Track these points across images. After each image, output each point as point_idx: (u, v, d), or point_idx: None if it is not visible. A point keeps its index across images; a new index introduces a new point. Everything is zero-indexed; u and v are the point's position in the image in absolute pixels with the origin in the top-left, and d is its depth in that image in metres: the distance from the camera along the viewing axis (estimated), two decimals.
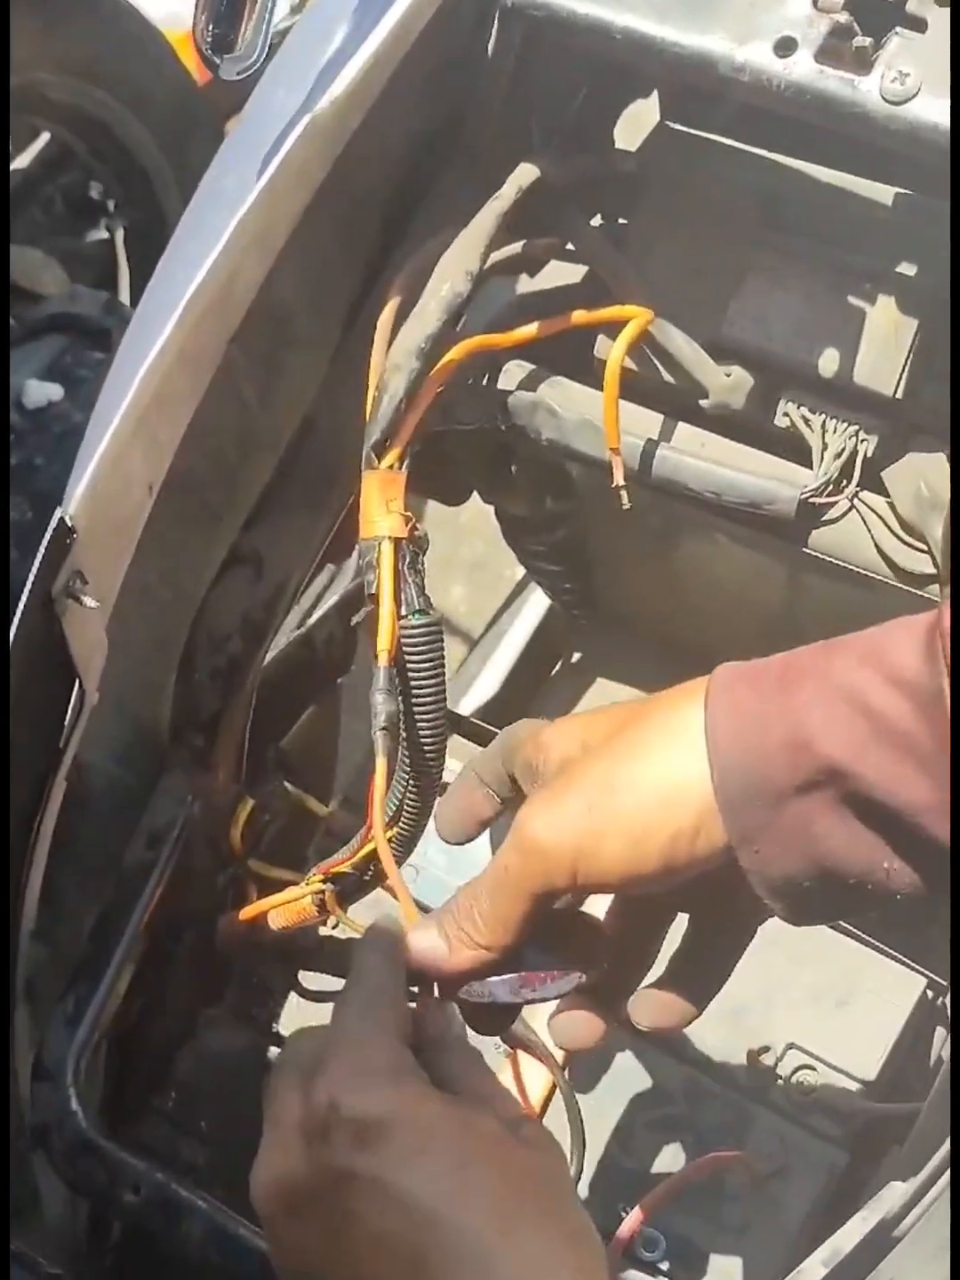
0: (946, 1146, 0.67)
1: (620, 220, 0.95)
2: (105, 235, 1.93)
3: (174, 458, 0.87)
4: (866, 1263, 0.68)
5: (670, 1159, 0.95)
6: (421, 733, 0.82)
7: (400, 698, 0.81)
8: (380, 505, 0.83)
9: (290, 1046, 0.66)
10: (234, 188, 0.83)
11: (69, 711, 0.84)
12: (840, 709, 0.58)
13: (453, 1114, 0.60)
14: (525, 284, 1.01)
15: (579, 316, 0.88)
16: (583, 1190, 0.96)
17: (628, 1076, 0.98)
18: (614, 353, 0.86)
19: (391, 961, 0.67)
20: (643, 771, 0.62)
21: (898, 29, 0.71)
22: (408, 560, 0.83)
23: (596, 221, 0.96)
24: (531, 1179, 0.59)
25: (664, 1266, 0.93)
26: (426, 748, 0.83)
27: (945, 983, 0.96)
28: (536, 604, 1.38)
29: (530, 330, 0.89)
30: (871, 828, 0.58)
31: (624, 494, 0.87)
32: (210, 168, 0.88)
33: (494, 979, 0.67)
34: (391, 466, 0.84)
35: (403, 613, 0.82)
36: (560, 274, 1.00)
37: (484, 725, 1.12)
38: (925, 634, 0.57)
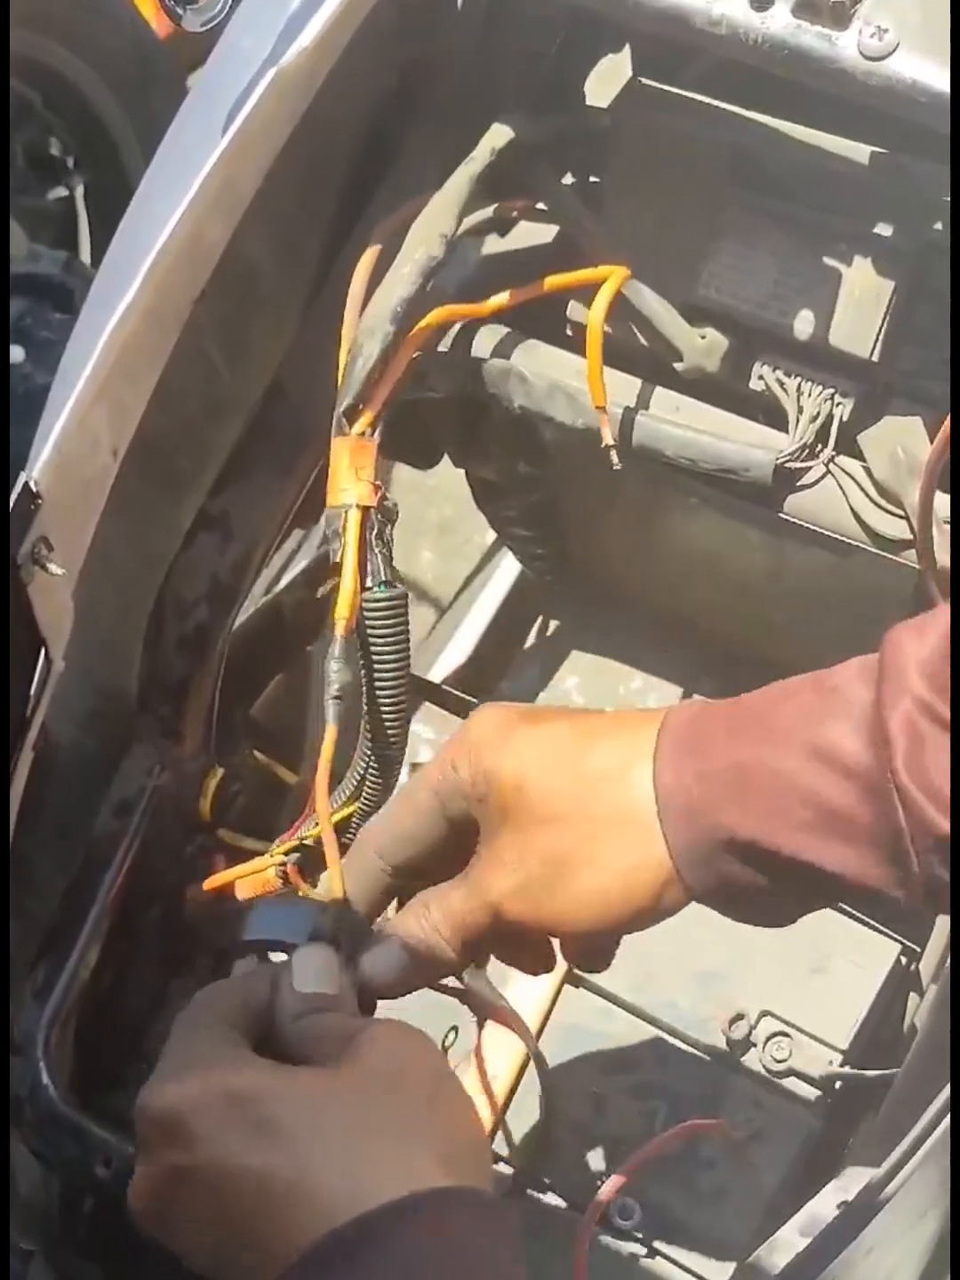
0: (927, 1115, 0.66)
1: (592, 178, 0.93)
2: (65, 193, 1.89)
3: (145, 421, 0.86)
4: (845, 1231, 0.68)
5: (644, 1126, 0.95)
6: (382, 706, 0.82)
7: (361, 670, 0.80)
8: (349, 473, 0.82)
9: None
10: (198, 142, 0.81)
11: (35, 679, 0.83)
12: (799, 813, 0.61)
13: (249, 1078, 0.59)
14: (497, 244, 0.99)
15: (555, 280, 0.87)
16: (555, 1157, 0.96)
17: (601, 1044, 0.97)
18: (594, 311, 0.84)
19: (238, 979, 0.70)
20: (602, 845, 0.64)
21: None
22: (375, 530, 0.82)
23: (568, 180, 0.95)
24: (342, 1106, 0.59)
25: (639, 1234, 0.93)
26: (387, 721, 0.82)
27: (919, 948, 0.96)
28: (508, 570, 1.37)
29: (506, 297, 0.88)
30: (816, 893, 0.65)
31: (614, 454, 0.86)
32: (174, 121, 0.86)
33: None
34: (363, 433, 0.83)
35: (367, 583, 0.81)
36: (532, 233, 0.99)
37: (454, 692, 1.11)
38: (869, 726, 0.59)
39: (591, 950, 0.72)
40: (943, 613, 0.60)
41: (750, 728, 0.63)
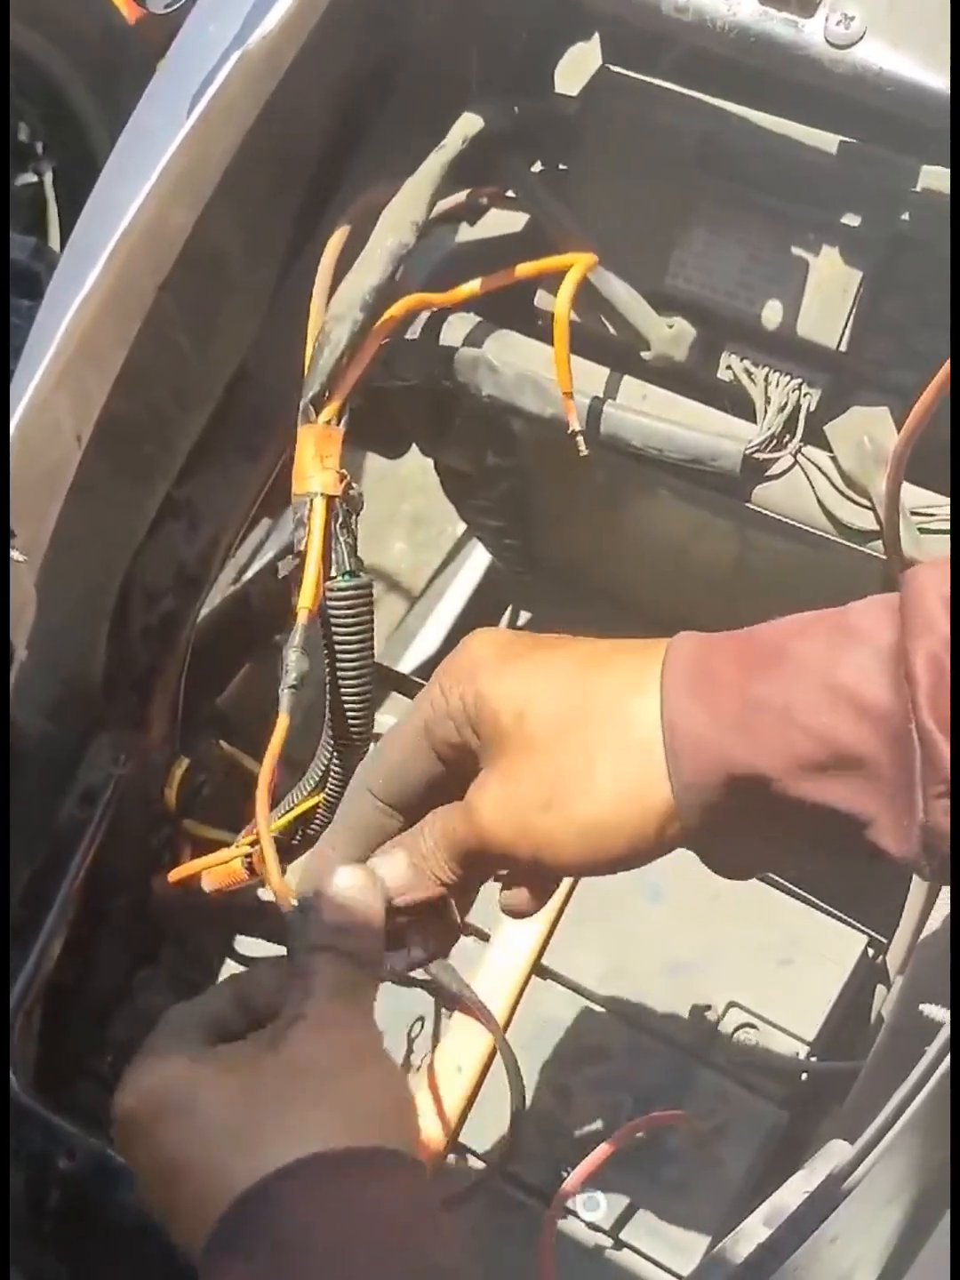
0: (891, 1105, 0.66)
1: (561, 166, 0.93)
2: (34, 178, 1.88)
3: (107, 407, 0.85)
4: (809, 1220, 0.67)
5: (611, 1118, 0.95)
6: (346, 697, 0.81)
7: (324, 660, 0.80)
8: (315, 461, 0.81)
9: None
10: (162, 126, 0.81)
11: None
12: (812, 754, 0.58)
13: (181, 1070, 0.63)
14: (466, 233, 0.99)
15: (523, 269, 0.86)
16: (521, 1149, 0.95)
17: (568, 1035, 0.97)
18: (560, 298, 0.84)
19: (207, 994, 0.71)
20: (601, 775, 0.62)
21: None
22: (340, 519, 0.81)
23: (537, 168, 0.94)
24: (257, 1089, 0.62)
25: (605, 1226, 0.93)
26: (351, 713, 0.81)
27: (885, 941, 0.96)
28: (478, 561, 1.37)
29: (475, 286, 0.87)
30: (813, 844, 0.61)
31: (581, 440, 0.86)
32: (138, 105, 0.85)
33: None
34: (329, 421, 0.83)
35: (331, 572, 0.80)
36: (502, 222, 0.98)
37: (421, 683, 1.10)
38: (891, 664, 0.57)
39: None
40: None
41: (763, 662, 0.60)
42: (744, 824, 0.61)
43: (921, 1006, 0.68)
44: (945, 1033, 0.63)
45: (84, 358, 0.82)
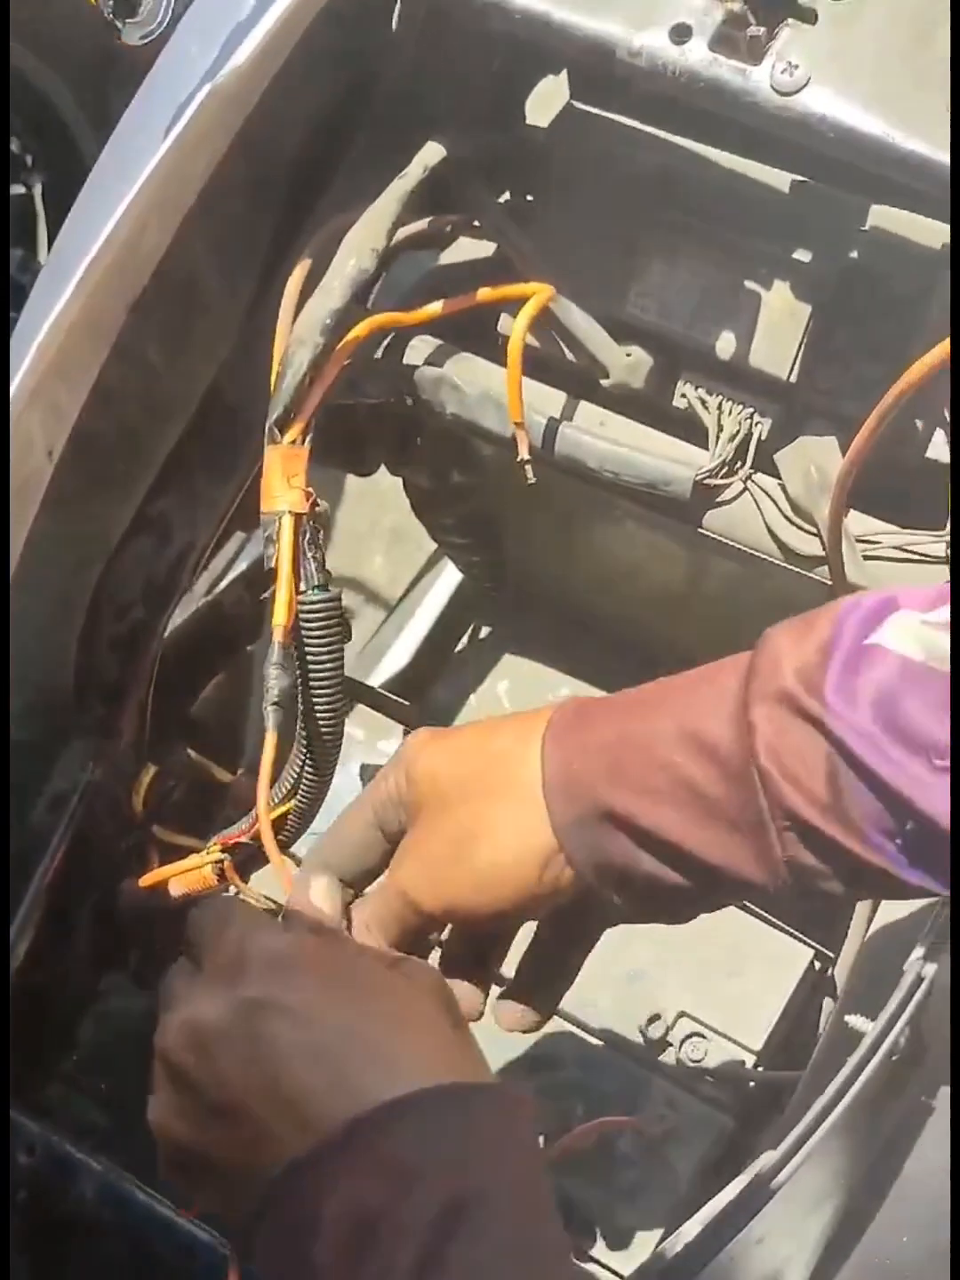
0: (816, 1107, 0.69)
1: (527, 197, 0.95)
2: (22, 190, 1.89)
3: (81, 423, 0.87)
4: (737, 1222, 0.70)
5: (562, 1124, 0.97)
6: (318, 707, 0.83)
7: (297, 672, 0.82)
8: (282, 480, 0.83)
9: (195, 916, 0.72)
10: (139, 149, 0.83)
11: None
12: (669, 792, 0.64)
13: (345, 953, 0.67)
14: (434, 260, 1.01)
15: (483, 294, 0.89)
16: None
17: (522, 1042, 0.99)
18: (515, 328, 0.87)
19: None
20: (497, 824, 0.68)
21: (789, 21, 0.72)
22: (308, 535, 0.83)
23: (505, 198, 0.97)
24: (417, 1002, 0.65)
25: None
26: (322, 722, 0.84)
27: (831, 954, 0.98)
28: (450, 577, 1.39)
29: (435, 308, 0.90)
30: (689, 878, 0.65)
31: (529, 468, 0.88)
32: (118, 125, 0.88)
33: None
34: (294, 441, 0.85)
35: (302, 588, 0.83)
36: (469, 250, 1.01)
37: (387, 695, 1.13)
38: (735, 713, 0.62)
39: (484, 938, 0.75)
40: (820, 623, 0.62)
41: (630, 710, 0.66)
42: (625, 861, 0.66)
43: (846, 1017, 0.70)
44: (867, 1042, 0.66)
45: (57, 375, 0.84)
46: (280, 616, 0.81)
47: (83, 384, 0.87)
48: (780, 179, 0.87)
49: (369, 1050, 0.61)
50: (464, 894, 0.69)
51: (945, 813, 0.57)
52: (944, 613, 0.60)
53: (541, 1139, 0.67)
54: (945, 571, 0.83)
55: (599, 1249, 0.95)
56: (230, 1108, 0.61)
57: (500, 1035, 1.00)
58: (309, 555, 0.83)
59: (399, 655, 1.38)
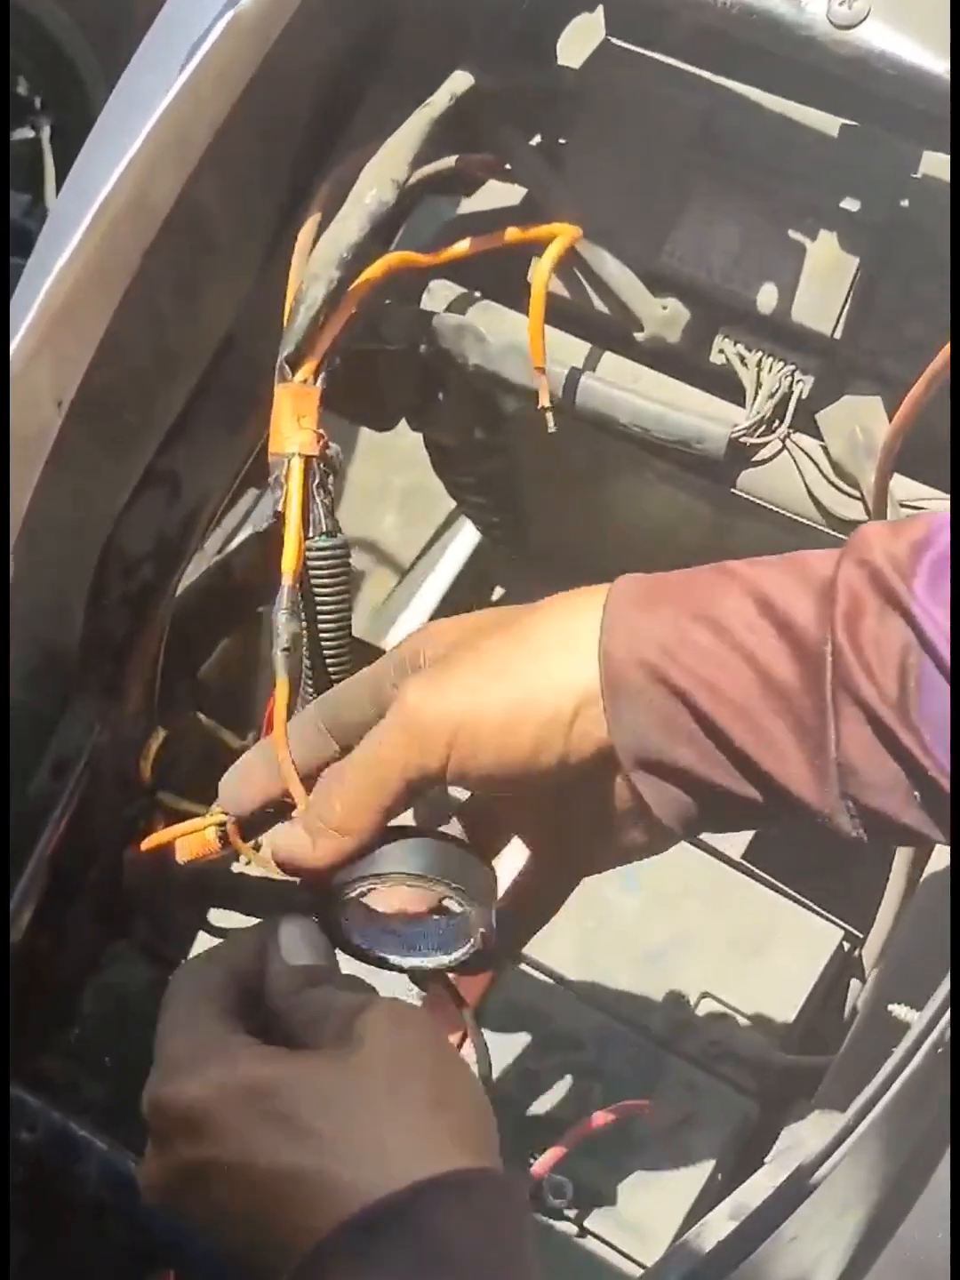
0: (856, 1105, 0.66)
1: (560, 140, 0.91)
2: (31, 134, 1.84)
3: (90, 374, 0.84)
4: (771, 1218, 0.67)
5: (579, 1104, 0.94)
6: (326, 657, 0.81)
7: (304, 621, 0.79)
8: (292, 420, 0.80)
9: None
10: (151, 88, 0.79)
11: None
12: (732, 669, 0.58)
13: (266, 1072, 0.60)
14: (463, 205, 0.97)
15: (505, 235, 0.85)
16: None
17: (539, 1022, 0.97)
18: (539, 270, 0.83)
19: (222, 952, 0.68)
20: (530, 659, 0.61)
21: None
22: (318, 479, 0.80)
23: (536, 142, 0.93)
24: (362, 1094, 0.59)
25: (571, 1213, 0.93)
26: (331, 673, 0.81)
27: (861, 935, 0.95)
28: (467, 537, 1.35)
29: (455, 249, 0.86)
30: (725, 779, 0.60)
31: (550, 417, 0.85)
32: (129, 66, 0.84)
33: (387, 934, 0.66)
34: (305, 380, 0.82)
35: (309, 533, 0.79)
36: (497, 197, 0.97)
37: None
38: (821, 585, 0.57)
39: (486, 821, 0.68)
40: (914, 525, 0.58)
41: (707, 584, 0.61)
42: (659, 742, 0.59)
43: (890, 1006, 0.67)
44: (913, 1034, 0.63)
45: (65, 323, 0.80)
46: (289, 561, 0.78)
47: (92, 334, 0.83)
48: (828, 123, 0.83)
49: (300, 1188, 0.57)
50: (483, 733, 0.60)
51: None
52: None
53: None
54: None
55: (616, 1234, 0.93)
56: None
57: (516, 1012, 0.98)
58: (318, 500, 0.80)
59: (414, 617, 1.34)
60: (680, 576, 0.62)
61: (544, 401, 0.84)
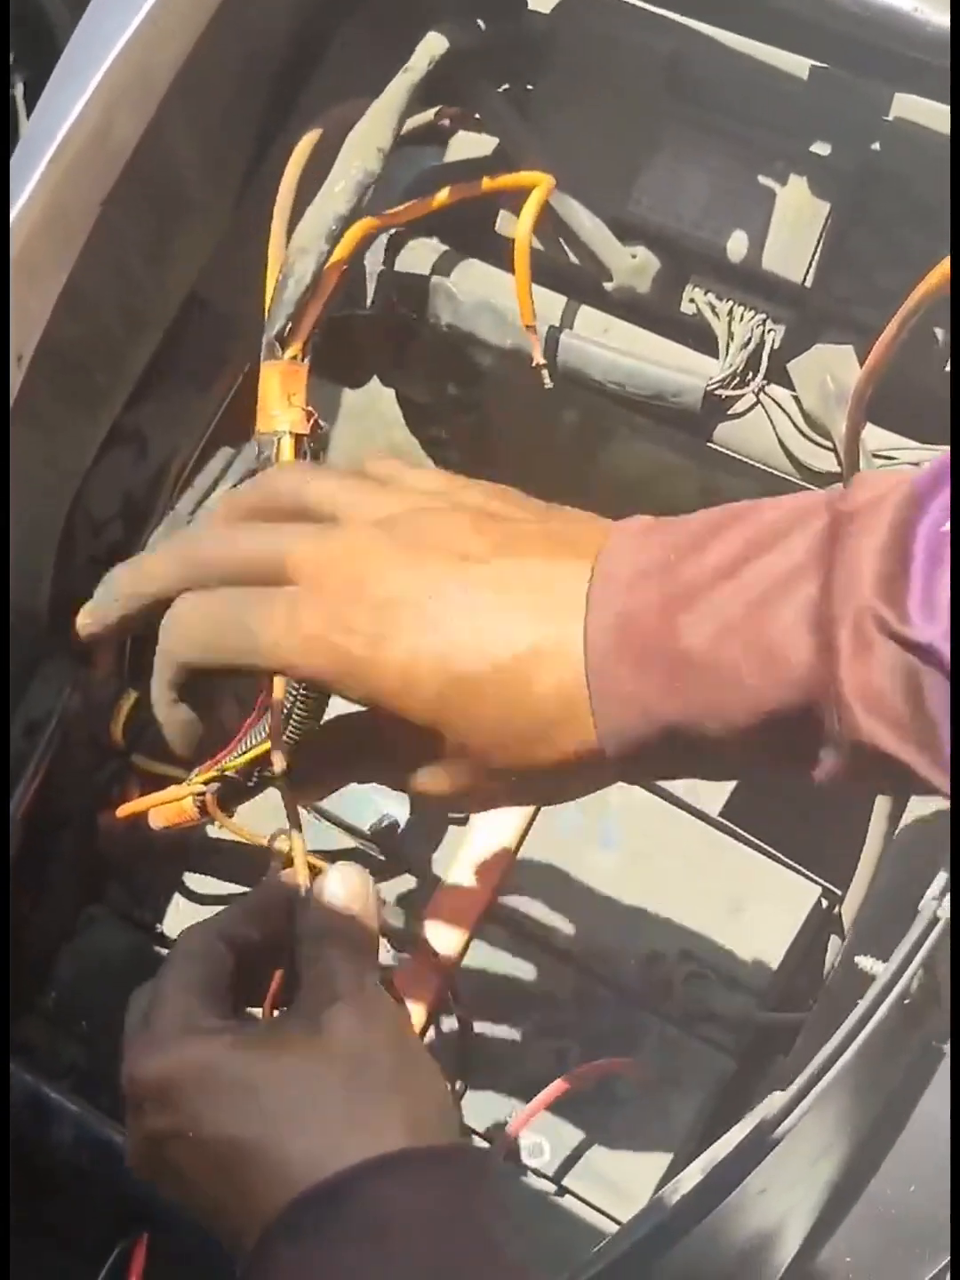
0: (821, 1057, 0.65)
1: (528, 86, 0.90)
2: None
3: (56, 330, 0.83)
4: (738, 1172, 0.66)
5: (557, 1064, 0.93)
6: None
7: None
8: (281, 399, 0.79)
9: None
10: (111, 27, 0.77)
11: None
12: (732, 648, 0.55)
13: (227, 1054, 0.63)
14: (429, 158, 0.96)
15: (474, 186, 0.84)
16: (468, 1095, 0.94)
17: (517, 982, 0.96)
18: (521, 223, 0.81)
19: (207, 929, 0.69)
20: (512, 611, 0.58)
21: None
22: (308, 457, 0.80)
23: (504, 89, 0.91)
24: (319, 1079, 0.62)
25: (549, 1173, 0.92)
26: None
27: (840, 892, 0.94)
28: None
29: (426, 203, 0.85)
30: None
31: (545, 373, 0.84)
32: (89, 9, 0.82)
33: None
34: (294, 357, 0.81)
35: None
36: (469, 147, 0.95)
37: None
38: (814, 617, 0.54)
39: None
40: (895, 495, 0.53)
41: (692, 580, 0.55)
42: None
43: (856, 959, 0.66)
44: (878, 985, 0.62)
45: (23, 274, 0.79)
46: None
47: (52, 286, 0.82)
48: (798, 65, 0.81)
49: (259, 1159, 0.60)
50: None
51: None
52: None
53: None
54: None
55: (595, 1192, 0.92)
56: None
57: (493, 971, 0.97)
58: None
59: None
60: (668, 555, 0.57)
61: (538, 359, 0.83)
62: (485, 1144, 0.93)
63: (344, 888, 0.67)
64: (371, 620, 0.57)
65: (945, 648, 0.51)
